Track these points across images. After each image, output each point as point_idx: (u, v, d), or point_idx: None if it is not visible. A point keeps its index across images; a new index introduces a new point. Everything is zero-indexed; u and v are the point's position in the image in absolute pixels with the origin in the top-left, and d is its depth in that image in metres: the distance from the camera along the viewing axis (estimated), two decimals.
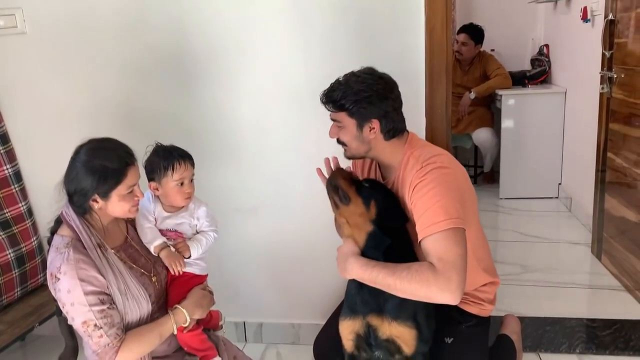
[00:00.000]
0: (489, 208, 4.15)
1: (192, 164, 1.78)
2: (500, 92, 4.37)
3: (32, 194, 2.51)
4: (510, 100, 4.33)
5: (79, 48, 2.32)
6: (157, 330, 1.65)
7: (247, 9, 2.18)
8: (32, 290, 2.47)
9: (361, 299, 1.64)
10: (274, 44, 2.20)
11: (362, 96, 1.63)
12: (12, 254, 2.35)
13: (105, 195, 1.58)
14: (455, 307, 1.85)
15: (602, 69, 3.02)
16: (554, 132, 4.26)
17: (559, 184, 4.34)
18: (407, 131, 1.77)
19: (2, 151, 2.39)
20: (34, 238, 2.48)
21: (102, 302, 1.54)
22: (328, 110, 1.71)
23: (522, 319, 2.28)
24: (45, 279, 2.39)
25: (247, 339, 2.56)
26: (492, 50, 4.76)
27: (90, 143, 1.61)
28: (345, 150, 1.76)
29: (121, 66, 2.31)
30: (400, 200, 1.69)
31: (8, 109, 2.42)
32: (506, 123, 4.36)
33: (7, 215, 2.38)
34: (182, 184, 1.74)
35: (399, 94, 1.71)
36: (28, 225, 2.46)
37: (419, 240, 1.61)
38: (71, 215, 1.60)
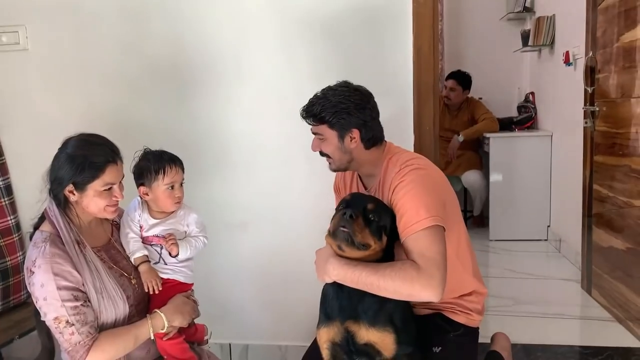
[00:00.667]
0: (479, 248, 4.15)
1: (182, 169, 1.79)
2: (488, 135, 4.48)
3: (21, 209, 2.50)
4: (497, 143, 4.43)
5: (77, 65, 2.39)
6: (133, 333, 1.61)
7: (243, 28, 2.28)
8: (14, 307, 2.42)
9: (338, 304, 1.61)
10: (268, 62, 2.28)
11: (341, 108, 1.69)
12: None
13: (81, 188, 1.57)
14: (443, 316, 1.85)
15: (585, 104, 3.13)
16: (542, 174, 4.34)
17: (548, 226, 4.38)
18: (385, 140, 1.82)
19: None
20: (20, 253, 2.45)
21: (76, 299, 1.52)
22: (309, 124, 1.76)
23: (513, 346, 2.25)
24: (28, 296, 2.37)
25: None
26: (480, 98, 4.91)
27: (79, 136, 1.64)
28: (330, 163, 1.80)
29: (118, 82, 2.38)
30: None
31: (4, 123, 2.46)
32: (494, 165, 4.44)
33: None
34: (172, 187, 1.75)
35: (375, 104, 1.77)
36: (15, 239, 2.44)
37: (401, 240, 1.62)
38: (53, 211, 1.60)
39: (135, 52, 2.35)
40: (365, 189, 1.86)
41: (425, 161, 1.74)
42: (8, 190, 2.46)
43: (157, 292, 1.72)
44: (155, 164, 1.73)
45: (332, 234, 1.56)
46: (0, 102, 2.46)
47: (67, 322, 1.50)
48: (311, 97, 1.75)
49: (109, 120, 2.39)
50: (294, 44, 2.26)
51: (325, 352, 1.66)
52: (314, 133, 1.77)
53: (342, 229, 1.53)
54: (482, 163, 4.78)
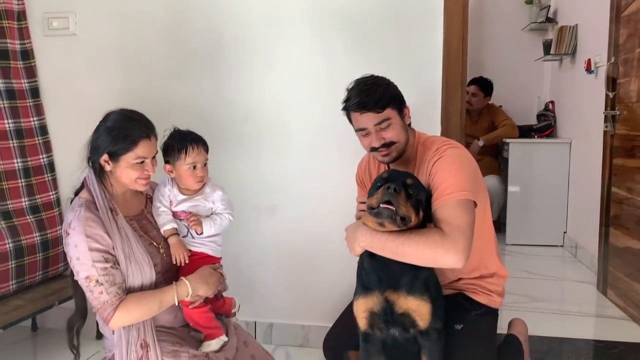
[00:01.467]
0: None
1: (206, 149, 1.85)
2: (507, 140, 4.55)
3: (62, 186, 2.63)
4: (517, 149, 4.49)
5: (120, 50, 2.54)
6: (158, 297, 1.69)
7: (278, 18, 2.40)
8: (52, 277, 2.54)
9: (377, 276, 1.67)
10: (301, 52, 2.40)
11: (392, 87, 1.80)
12: (38, 238, 2.44)
13: (115, 158, 1.69)
14: (465, 296, 1.93)
15: (606, 109, 3.20)
16: (559, 180, 4.40)
17: (564, 232, 4.42)
18: None
19: (40, 141, 2.54)
20: (60, 227, 2.57)
21: (106, 261, 1.63)
22: (375, 113, 1.73)
23: (530, 337, 2.29)
24: (65, 268, 2.49)
25: (256, 339, 2.58)
26: (500, 106, 4.98)
27: (120, 111, 1.76)
28: (389, 151, 1.79)
29: (157, 68, 2.52)
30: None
31: (50, 104, 2.61)
32: (513, 171, 4.50)
33: (37, 201, 2.50)
34: (194, 167, 1.80)
35: None
36: (55, 214, 2.57)
37: (433, 209, 1.69)
38: (91, 179, 1.72)
39: (174, 40, 2.49)
40: None
41: (458, 143, 1.83)
42: (51, 167, 2.59)
43: (183, 264, 1.80)
44: (179, 143, 1.81)
45: (375, 212, 1.56)
46: (48, 83, 2.60)
47: (97, 281, 1.61)
48: (351, 93, 1.77)
49: (148, 103, 2.47)
50: (327, 36, 2.37)
51: (363, 322, 1.70)
52: (378, 123, 1.75)
53: (384, 205, 1.55)
54: (500, 169, 4.84)
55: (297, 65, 2.41)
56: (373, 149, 1.81)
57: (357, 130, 1.82)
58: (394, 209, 1.55)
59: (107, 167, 1.70)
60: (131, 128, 1.68)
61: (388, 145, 1.78)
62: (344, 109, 1.83)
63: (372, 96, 1.73)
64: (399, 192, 1.54)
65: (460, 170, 1.71)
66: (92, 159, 1.71)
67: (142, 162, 1.71)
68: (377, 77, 1.82)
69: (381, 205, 1.55)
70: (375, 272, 1.68)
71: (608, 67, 3.18)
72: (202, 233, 1.83)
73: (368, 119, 1.76)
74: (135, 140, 1.68)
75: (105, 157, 1.68)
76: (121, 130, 1.67)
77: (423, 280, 1.65)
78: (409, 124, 1.88)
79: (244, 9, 2.42)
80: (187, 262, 1.81)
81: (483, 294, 1.93)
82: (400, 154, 1.82)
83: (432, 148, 1.79)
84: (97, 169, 1.72)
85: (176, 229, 1.83)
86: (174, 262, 1.81)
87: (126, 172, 1.70)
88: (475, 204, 1.70)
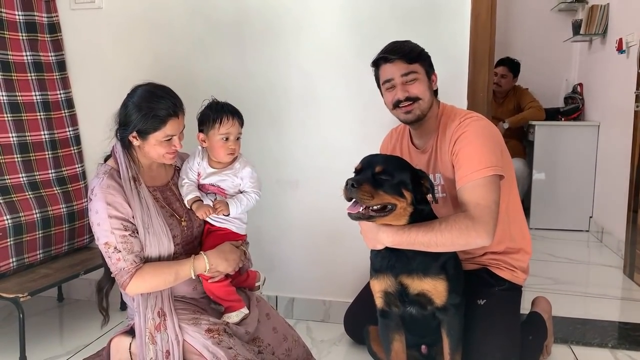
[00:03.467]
0: None
1: (241, 123, 1.85)
2: (533, 123, 4.47)
3: (87, 159, 2.66)
4: (543, 131, 4.41)
5: (146, 23, 2.54)
6: (175, 269, 1.70)
7: None
8: (78, 249, 2.58)
9: (389, 261, 1.66)
10: (326, 23, 2.37)
11: (425, 51, 1.82)
12: (65, 209, 2.48)
13: (143, 136, 1.70)
14: (489, 271, 1.91)
15: (637, 89, 3.11)
16: (587, 165, 4.31)
17: (590, 217, 4.34)
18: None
19: (67, 114, 2.57)
20: (85, 199, 2.60)
21: (125, 229, 1.65)
22: (404, 62, 1.75)
23: (553, 318, 2.26)
24: (90, 241, 2.53)
25: None
26: (526, 88, 4.89)
27: (147, 85, 1.75)
28: (413, 108, 1.78)
29: (183, 40, 2.52)
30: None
31: (76, 77, 2.64)
32: (538, 154, 4.42)
33: (64, 173, 2.53)
34: (227, 139, 1.81)
35: None
36: (81, 186, 2.60)
37: (458, 187, 1.69)
38: (118, 148, 1.75)
39: (199, 12, 2.48)
40: (418, 150, 1.92)
41: (480, 115, 1.81)
42: (77, 140, 2.62)
43: (209, 215, 1.80)
44: (215, 113, 1.81)
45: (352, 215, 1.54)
46: (74, 57, 2.62)
47: (115, 248, 1.64)
48: (386, 45, 1.81)
49: (173, 76, 2.51)
50: (352, 7, 2.34)
51: (379, 301, 1.72)
52: (404, 75, 1.75)
53: (348, 210, 1.53)
54: (525, 152, 4.76)
55: (323, 37, 2.39)
56: (396, 104, 1.79)
57: (384, 83, 1.82)
58: (357, 211, 1.52)
59: (135, 143, 1.72)
60: (160, 107, 1.69)
61: (412, 100, 1.77)
62: (374, 61, 1.83)
63: (404, 47, 1.77)
64: (358, 186, 1.50)
65: (484, 144, 1.69)
66: (121, 135, 1.73)
67: (169, 139, 1.72)
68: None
69: (347, 210, 1.54)
70: (388, 257, 1.66)
71: None
72: (228, 214, 1.83)
73: (396, 69, 1.77)
74: (164, 119, 1.69)
75: (134, 133, 1.70)
76: (150, 109, 1.68)
77: (439, 260, 1.64)
78: (435, 91, 1.86)
79: None
80: (213, 212, 1.80)
81: (507, 270, 1.91)
82: (423, 114, 1.80)
83: (455, 120, 1.78)
84: (127, 143, 1.73)
85: (198, 196, 1.82)
86: (201, 217, 1.80)
87: (154, 149, 1.72)
88: (501, 177, 1.68)
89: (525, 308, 2.10)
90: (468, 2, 2.21)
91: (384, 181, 1.55)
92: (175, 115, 1.71)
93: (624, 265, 3.30)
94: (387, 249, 1.65)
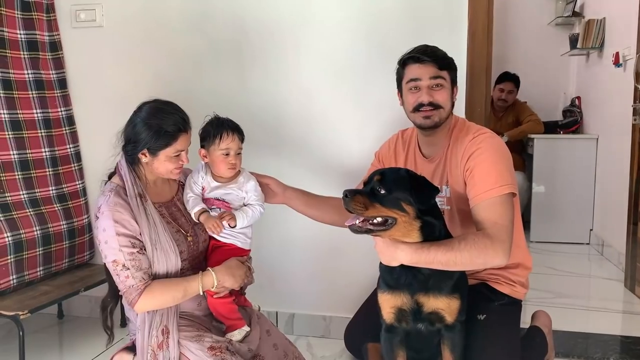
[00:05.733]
0: None
1: (241, 138, 1.87)
2: (532, 136, 4.49)
3: (88, 176, 2.67)
4: (542, 144, 4.43)
5: (146, 40, 2.57)
6: (183, 286, 1.70)
7: (302, 9, 2.40)
8: (78, 265, 2.58)
9: (404, 280, 1.63)
10: (325, 39, 2.39)
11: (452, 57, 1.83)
12: (65, 226, 2.49)
13: (154, 153, 1.71)
14: (488, 286, 1.91)
15: (635, 102, 3.13)
16: (586, 177, 4.32)
17: (591, 229, 4.34)
18: None
19: (67, 131, 2.59)
20: (85, 216, 2.62)
21: (133, 246, 1.65)
22: (435, 66, 1.74)
23: (554, 332, 2.26)
24: (91, 257, 2.53)
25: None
26: (525, 102, 4.92)
27: (154, 102, 1.76)
28: (433, 114, 1.77)
29: (183, 58, 2.54)
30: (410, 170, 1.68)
31: (77, 95, 2.66)
32: (538, 167, 4.44)
33: (64, 190, 2.55)
34: (227, 154, 1.82)
35: None
36: (82, 203, 2.61)
37: (473, 204, 1.68)
38: (123, 165, 1.75)
39: (199, 30, 2.51)
40: (426, 158, 1.91)
41: (492, 132, 1.81)
42: (77, 157, 2.63)
43: (220, 232, 1.80)
44: (215, 129, 1.83)
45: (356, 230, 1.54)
46: (75, 74, 2.65)
47: (124, 265, 1.63)
48: (417, 47, 1.80)
49: (174, 93, 2.50)
50: (351, 25, 2.36)
51: (389, 316, 1.68)
52: (433, 78, 1.75)
53: (347, 224, 1.53)
54: (525, 165, 4.78)
55: (322, 55, 2.40)
56: (418, 107, 1.78)
57: (408, 82, 1.79)
58: (354, 223, 1.52)
59: (144, 160, 1.73)
60: (169, 123, 1.70)
61: (434, 106, 1.76)
62: (403, 59, 1.81)
63: (437, 51, 1.78)
64: (351, 197, 1.49)
65: (500, 161, 1.69)
66: (130, 152, 1.73)
67: (178, 155, 1.74)
68: None
69: (345, 223, 1.55)
70: (405, 275, 1.63)
71: (637, 59, 3.11)
72: (235, 226, 1.83)
73: (426, 71, 1.75)
74: (174, 135, 1.70)
75: (144, 151, 1.71)
76: (160, 127, 1.69)
77: (455, 279, 1.63)
78: (453, 103, 1.85)
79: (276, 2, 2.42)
80: (222, 230, 1.80)
81: (506, 285, 1.90)
82: (440, 122, 1.79)
83: (468, 134, 1.78)
84: (135, 159, 1.74)
85: (205, 208, 1.83)
86: (210, 233, 1.81)
87: (164, 165, 1.73)
88: (514, 194, 1.68)
89: (525, 322, 2.10)
90: (465, 18, 2.23)
91: (381, 194, 1.53)
92: (184, 131, 1.73)
93: (624, 278, 3.30)
94: (402, 265, 1.62)
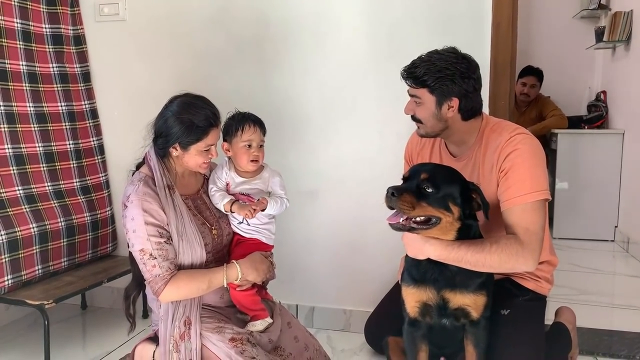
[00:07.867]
0: None
1: (263, 131, 1.88)
2: (556, 131, 4.41)
3: (111, 168, 2.70)
4: (566, 140, 4.36)
5: (169, 36, 2.58)
6: (208, 277, 1.71)
7: (324, 6, 2.39)
8: (101, 257, 2.61)
9: (430, 275, 1.62)
10: (346, 36, 2.38)
11: (445, 74, 1.67)
12: (88, 218, 2.52)
13: (185, 147, 1.73)
14: (512, 281, 1.88)
15: None
16: (611, 173, 4.23)
17: (616, 226, 4.26)
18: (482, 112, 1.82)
19: (91, 124, 2.62)
20: (109, 208, 2.65)
21: (160, 235, 1.67)
22: (408, 85, 1.75)
23: (578, 329, 2.22)
24: (114, 249, 2.56)
25: None
26: (548, 96, 4.84)
27: (185, 97, 1.78)
28: (419, 127, 1.80)
29: (205, 54, 2.55)
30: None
31: (100, 88, 2.68)
32: (561, 163, 4.37)
33: (88, 182, 2.58)
34: (249, 146, 1.83)
35: (480, 76, 1.74)
36: (105, 195, 2.64)
37: (505, 207, 1.64)
38: (152, 156, 1.77)
39: (222, 27, 2.51)
40: (453, 157, 1.87)
41: (527, 130, 1.76)
42: (101, 149, 2.66)
43: (253, 216, 1.81)
44: (237, 122, 1.85)
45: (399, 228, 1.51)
46: (99, 68, 2.68)
47: (151, 255, 1.65)
48: (415, 58, 1.74)
49: (196, 89, 2.53)
50: (371, 21, 2.35)
51: (413, 310, 1.67)
52: (411, 95, 1.76)
53: (388, 221, 1.50)
54: (548, 161, 4.69)
55: (342, 51, 2.39)
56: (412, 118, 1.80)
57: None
58: (397, 221, 1.49)
59: (175, 153, 1.75)
60: (200, 118, 1.71)
61: (417, 120, 1.78)
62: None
63: (414, 69, 1.71)
64: (398, 195, 1.45)
65: (537, 165, 1.65)
66: (161, 145, 1.75)
67: (208, 149, 1.76)
68: (446, 57, 1.70)
69: (387, 220, 1.52)
70: (431, 270, 1.62)
71: None
72: (265, 209, 1.83)
73: (408, 87, 1.76)
74: (206, 130, 1.72)
75: (175, 145, 1.72)
76: (192, 122, 1.70)
77: (481, 275, 1.62)
78: (465, 113, 1.73)
79: None
80: (255, 213, 1.81)
81: (531, 280, 1.88)
82: (428, 135, 1.80)
83: (502, 134, 1.72)
84: (166, 152, 1.75)
85: (233, 199, 1.84)
86: (245, 216, 1.81)
87: (194, 159, 1.75)
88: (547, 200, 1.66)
89: (549, 319, 2.07)
90: (489, 11, 2.20)
91: (429, 192, 1.50)
92: (215, 125, 1.75)
93: None
94: (429, 260, 1.60)
